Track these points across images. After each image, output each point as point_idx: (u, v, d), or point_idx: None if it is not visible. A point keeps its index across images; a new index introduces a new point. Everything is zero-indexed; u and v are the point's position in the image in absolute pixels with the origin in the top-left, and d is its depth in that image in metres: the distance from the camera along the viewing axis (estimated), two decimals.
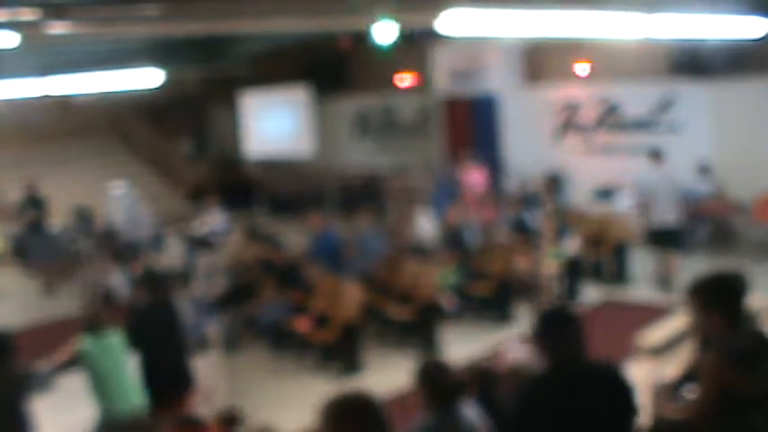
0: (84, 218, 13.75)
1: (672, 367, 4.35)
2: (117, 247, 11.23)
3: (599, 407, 3.48)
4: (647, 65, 13.40)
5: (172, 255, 11.44)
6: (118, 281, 9.62)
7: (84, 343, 5.83)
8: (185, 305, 8.40)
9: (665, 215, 10.52)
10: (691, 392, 3.54)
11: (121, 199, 13.72)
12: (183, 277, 10.18)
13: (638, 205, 11.04)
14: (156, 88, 14.25)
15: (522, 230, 11.15)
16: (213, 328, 8.84)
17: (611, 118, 14.19)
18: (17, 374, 5.36)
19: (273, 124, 19.01)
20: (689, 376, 3.94)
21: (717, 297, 3.61)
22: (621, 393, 3.56)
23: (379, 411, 3.01)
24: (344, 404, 3.01)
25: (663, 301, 9.89)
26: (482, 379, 5.00)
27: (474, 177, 13.91)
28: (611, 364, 3.69)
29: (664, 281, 10.70)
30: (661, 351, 6.39)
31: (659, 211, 10.54)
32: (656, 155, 10.86)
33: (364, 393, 3.08)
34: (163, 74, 13.16)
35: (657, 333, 7.05)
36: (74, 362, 5.84)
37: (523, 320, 9.99)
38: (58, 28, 7.13)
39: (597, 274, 11.44)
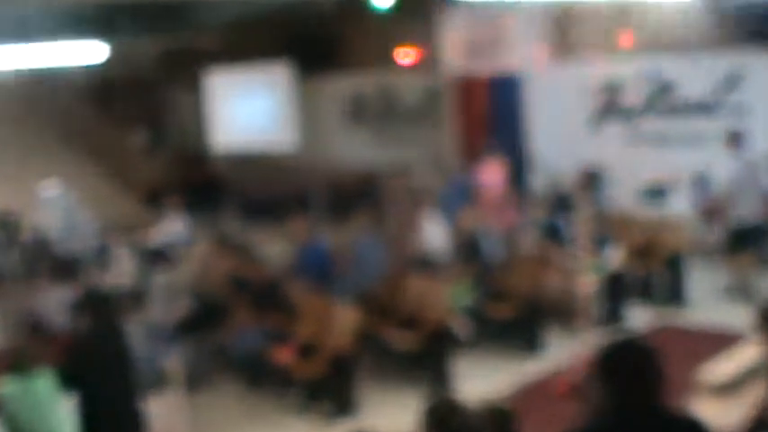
0: (7, 226, 13.69)
1: (743, 409, 4.28)
2: (50, 263, 11.17)
3: None
4: (707, 34, 13.36)
5: (121, 271, 11.37)
6: (51, 305, 9.55)
7: (3, 386, 5.75)
8: (138, 333, 8.35)
9: (745, 212, 10.53)
10: None
11: (56, 203, 13.69)
12: (136, 299, 10.09)
13: (705, 206, 11.01)
14: (101, 65, 14.21)
15: (555, 239, 11.12)
16: (173, 360, 8.78)
17: (662, 100, 14.14)
18: None
19: (247, 110, 19.02)
20: (763, 421, 3.88)
21: None
22: None
23: None
24: None
25: (731, 325, 9.84)
26: (502, 422, 4.94)
27: (492, 174, 13.87)
28: (696, 419, 3.59)
29: (743, 291, 10.63)
30: (729, 388, 6.34)
31: (739, 208, 10.55)
32: (734, 138, 10.82)
33: None
34: (109, 47, 13.12)
35: (724, 366, 7.01)
36: None
37: (555, 350, 9.96)
38: None
39: (646, 292, 11.43)
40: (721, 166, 12.73)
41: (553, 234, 11.31)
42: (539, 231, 11.67)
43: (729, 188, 10.61)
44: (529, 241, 11.56)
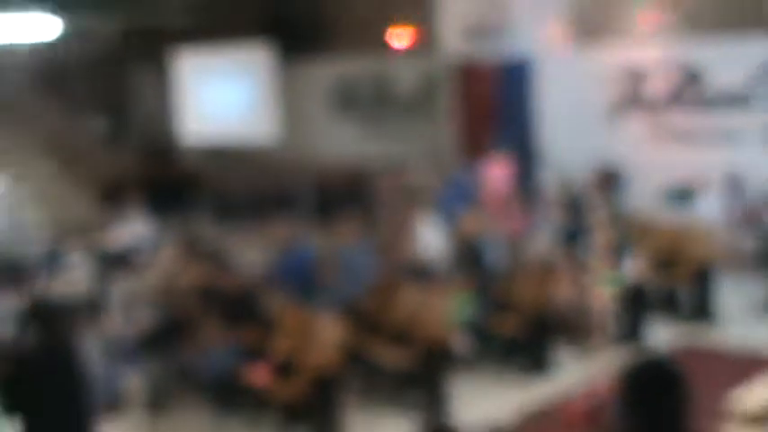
0: None
1: None
2: None
3: None
4: (741, 16, 13.39)
5: (74, 278, 11.37)
6: None
7: None
8: (93, 349, 8.34)
9: None
10: None
11: (1, 200, 13.66)
12: (90, 309, 10.12)
13: (739, 211, 11.01)
14: (53, 42, 14.18)
15: (570, 245, 11.14)
16: (133, 380, 8.79)
17: (691, 91, 14.18)
18: None
19: (222, 97, 19.05)
20: None
21: None
22: None
23: None
24: None
25: (766, 346, 9.86)
26: None
27: (498, 173, 13.88)
28: None
29: None
30: (764, 419, 6.34)
31: None
32: None
33: None
34: (62, 22, 13.10)
35: (759, 393, 7.01)
36: None
37: (566, 371, 9.98)
38: None
39: (671, 307, 11.47)
40: (758, 167, 12.78)
41: (569, 240, 11.31)
42: (558, 236, 11.67)
43: None
44: (539, 248, 11.55)
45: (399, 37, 17.17)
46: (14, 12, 12.46)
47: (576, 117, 15.09)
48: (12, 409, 6.03)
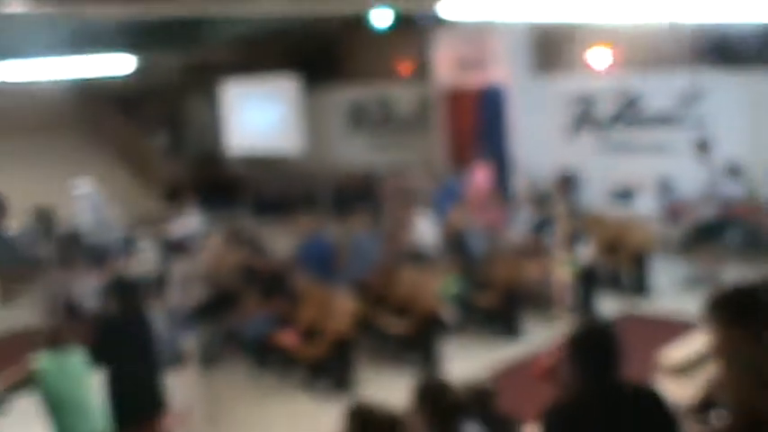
0: (45, 220, 13.70)
1: (695, 389, 4.31)
2: (82, 252, 11.17)
3: None
4: (670, 53, 13.37)
5: (144, 261, 11.40)
6: (82, 290, 9.57)
7: (41, 360, 5.77)
8: (158, 317, 8.36)
9: (707, 212, 10.61)
10: (717, 417, 3.51)
11: (87, 199, 13.68)
12: (157, 286, 10.13)
13: (668, 207, 11.02)
14: (127, 76, 14.20)
15: (539, 234, 11.16)
16: (189, 342, 8.79)
17: (630, 112, 14.17)
18: None
19: (258, 117, 19.01)
20: (712, 399, 3.92)
21: (740, 311, 3.59)
22: (665, 424, 3.50)
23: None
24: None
25: (689, 314, 9.87)
26: (484, 399, 4.99)
27: (481, 176, 13.89)
28: (655, 390, 3.65)
29: (708, 282, 10.66)
30: (684, 370, 6.35)
31: (703, 208, 10.63)
32: (703, 146, 10.85)
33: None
34: (135, 60, 13.14)
35: (681, 350, 7.03)
36: (29, 382, 5.77)
37: (533, 335, 9.99)
38: (16, 6, 7.09)
39: (615, 284, 11.44)
40: (682, 172, 12.80)
41: (537, 230, 11.35)
42: (523, 228, 11.70)
43: (700, 191, 10.64)
44: (513, 237, 11.57)
45: (402, 69, 17.16)
46: (100, 53, 12.51)
47: (540, 133, 15.06)
48: (98, 362, 6.09)
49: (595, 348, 3.51)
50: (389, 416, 3.34)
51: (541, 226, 11.51)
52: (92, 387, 5.99)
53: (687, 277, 11.48)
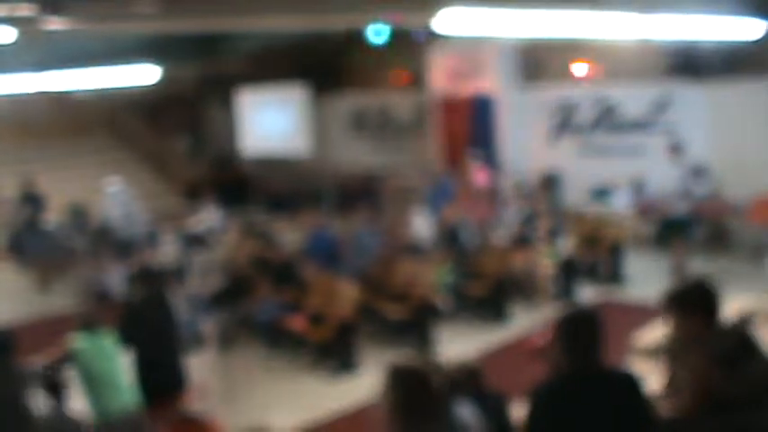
0: (79, 215, 13.73)
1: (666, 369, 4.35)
2: (112, 245, 11.20)
3: (615, 415, 3.44)
4: (644, 66, 13.39)
5: (167, 252, 11.40)
6: (112, 278, 9.61)
7: (77, 341, 5.82)
8: (180, 302, 8.41)
9: (678, 209, 10.63)
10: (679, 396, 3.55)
11: (117, 196, 13.71)
12: (179, 274, 10.15)
13: (641, 204, 11.00)
14: (152, 85, 14.19)
15: (525, 228, 11.17)
16: (208, 325, 8.84)
17: (608, 119, 14.18)
18: (19, 371, 5.31)
19: (270, 122, 18.98)
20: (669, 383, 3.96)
21: (698, 302, 3.67)
22: (640, 404, 3.51)
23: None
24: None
25: (659, 300, 9.89)
26: (473, 376, 5.01)
27: (480, 176, 13.92)
28: (630, 372, 3.68)
29: (677, 272, 10.70)
30: (654, 352, 6.39)
31: (674, 206, 10.65)
32: (675, 149, 10.85)
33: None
34: (159, 70, 13.13)
35: (652, 334, 7.05)
36: (67, 359, 5.83)
37: (519, 320, 10.01)
38: (54, 24, 7.13)
39: (593, 274, 11.43)
40: (654, 173, 12.82)
41: (523, 224, 11.37)
42: (510, 223, 11.71)
43: (670, 189, 10.64)
44: (500, 231, 11.57)
45: (400, 79, 17.15)
46: (127, 64, 12.55)
47: (526, 138, 15.09)
48: (127, 343, 6.12)
49: (580, 331, 3.52)
50: (424, 370, 3.22)
51: (527, 221, 11.52)
52: (122, 365, 6.03)
53: (657, 268, 11.50)
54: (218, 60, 16.28)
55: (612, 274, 11.37)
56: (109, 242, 11.26)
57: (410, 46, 15.49)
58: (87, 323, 5.89)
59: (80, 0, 7.06)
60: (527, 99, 15.16)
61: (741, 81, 12.30)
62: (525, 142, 15.06)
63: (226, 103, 20.15)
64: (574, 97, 14.56)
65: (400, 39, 14.00)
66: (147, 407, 6.06)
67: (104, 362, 5.84)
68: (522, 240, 11.07)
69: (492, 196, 13.77)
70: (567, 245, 10.88)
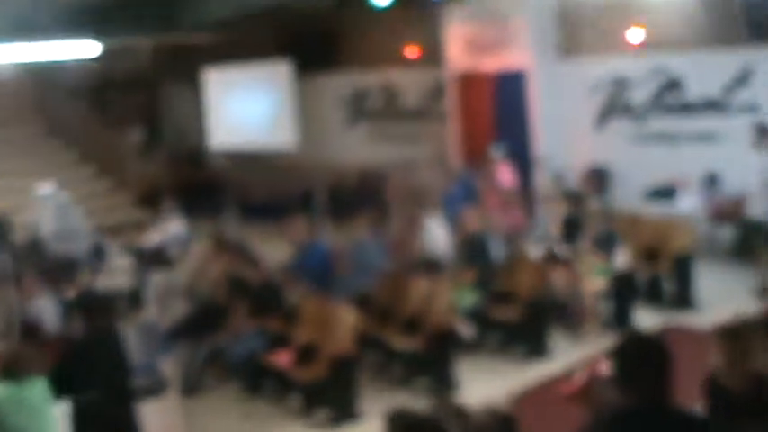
0: (0, 226, 13.70)
1: None
2: (44, 264, 11.14)
3: None
4: (715, 30, 13.33)
5: (116, 273, 11.39)
6: (45, 307, 9.51)
7: None
8: (133, 336, 8.33)
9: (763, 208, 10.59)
10: None
11: (50, 203, 13.69)
12: (132, 301, 10.13)
13: (715, 206, 10.88)
14: (94, 61, 14.16)
15: (568, 237, 11.16)
16: (169, 364, 8.77)
17: (669, 98, 14.10)
18: None
19: (246, 108, 19.01)
20: None
21: None
22: None
23: None
24: None
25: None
26: (505, 427, 4.93)
27: (505, 176, 13.85)
28: (702, 416, 3.65)
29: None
30: None
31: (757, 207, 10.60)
32: (764, 133, 10.76)
33: None
34: (101, 44, 13.12)
35: None
36: None
37: (560, 353, 9.95)
38: None
39: (654, 294, 11.38)
40: (731, 165, 12.73)
41: (566, 231, 11.29)
42: (548, 230, 11.65)
43: (755, 185, 10.57)
44: (536, 241, 11.54)
45: (408, 53, 17.15)
46: (61, 37, 12.51)
47: (566, 123, 15.04)
48: (62, 391, 6.04)
49: (642, 362, 3.53)
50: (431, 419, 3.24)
51: (569, 228, 11.43)
52: (52, 421, 5.93)
53: (737, 285, 11.38)
54: (179, 31, 16.27)
55: (679, 295, 11.29)
56: (40, 260, 11.21)
57: (421, 11, 15.48)
58: (9, 368, 5.79)
59: None
60: (567, 75, 15.12)
61: None
62: (565, 129, 15.03)
63: (190, 85, 20.21)
64: (626, 71, 14.50)
65: (410, 3, 14.06)
66: None
67: (28, 417, 5.73)
68: (563, 252, 11.00)
69: (524, 197, 13.74)
70: (620, 258, 10.79)
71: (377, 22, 16.00)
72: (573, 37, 15.20)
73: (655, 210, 12.96)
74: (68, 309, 6.84)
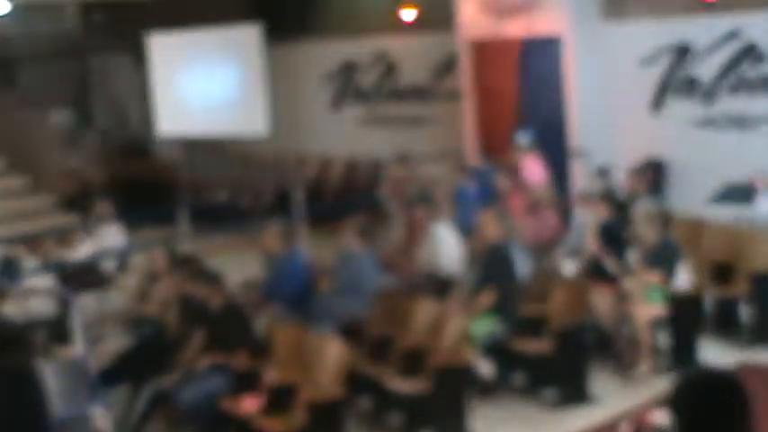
0: None
1: None
2: None
3: None
4: None
5: (32, 294, 11.33)
6: None
7: None
8: (55, 378, 8.26)
9: None
10: None
11: None
12: (53, 332, 10.05)
13: None
14: (1, 20, 14.12)
15: (614, 248, 11.10)
16: (101, 413, 8.69)
17: (745, 70, 14.06)
18: None
19: (204, 84, 18.95)
20: None
21: None
22: None
23: None
24: None
25: None
26: None
27: (532, 169, 13.78)
28: None
29: None
30: None
31: None
32: None
33: None
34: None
35: None
36: None
37: (605, 398, 9.92)
38: None
39: (727, 323, 11.34)
40: None
41: (609, 241, 11.21)
42: (587, 240, 11.62)
43: None
44: (573, 255, 11.51)
45: (409, 15, 17.15)
46: None
47: (610, 102, 15.04)
48: None
49: (712, 413, 3.51)
50: None
51: (615, 238, 11.39)
52: None
53: None
54: None
55: (759, 324, 11.25)
56: None
57: None
58: None
59: None
60: (612, 42, 15.15)
61: None
62: (610, 111, 15.04)
63: (131, 54, 20.17)
64: (689, 36, 14.47)
65: None
66: None
67: None
68: (608, 269, 10.99)
69: (558, 198, 13.71)
70: (682, 276, 10.72)
71: None
72: None
73: (726, 215, 12.91)
74: None
